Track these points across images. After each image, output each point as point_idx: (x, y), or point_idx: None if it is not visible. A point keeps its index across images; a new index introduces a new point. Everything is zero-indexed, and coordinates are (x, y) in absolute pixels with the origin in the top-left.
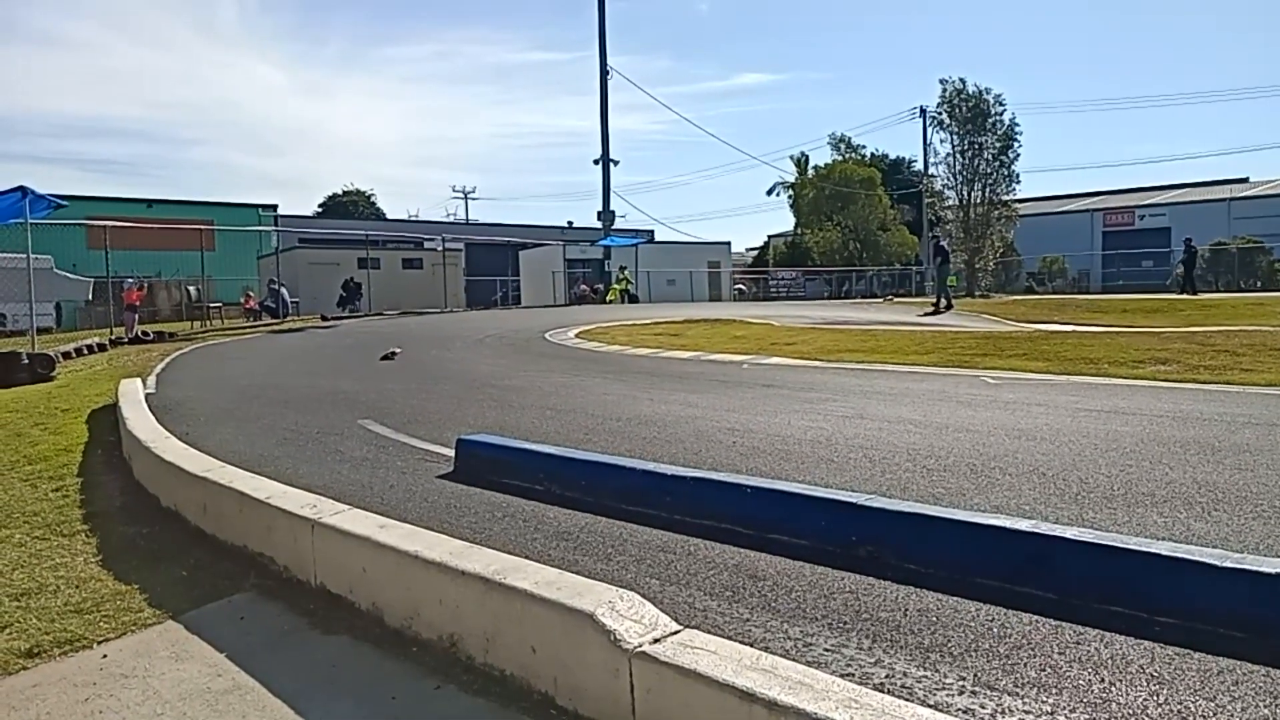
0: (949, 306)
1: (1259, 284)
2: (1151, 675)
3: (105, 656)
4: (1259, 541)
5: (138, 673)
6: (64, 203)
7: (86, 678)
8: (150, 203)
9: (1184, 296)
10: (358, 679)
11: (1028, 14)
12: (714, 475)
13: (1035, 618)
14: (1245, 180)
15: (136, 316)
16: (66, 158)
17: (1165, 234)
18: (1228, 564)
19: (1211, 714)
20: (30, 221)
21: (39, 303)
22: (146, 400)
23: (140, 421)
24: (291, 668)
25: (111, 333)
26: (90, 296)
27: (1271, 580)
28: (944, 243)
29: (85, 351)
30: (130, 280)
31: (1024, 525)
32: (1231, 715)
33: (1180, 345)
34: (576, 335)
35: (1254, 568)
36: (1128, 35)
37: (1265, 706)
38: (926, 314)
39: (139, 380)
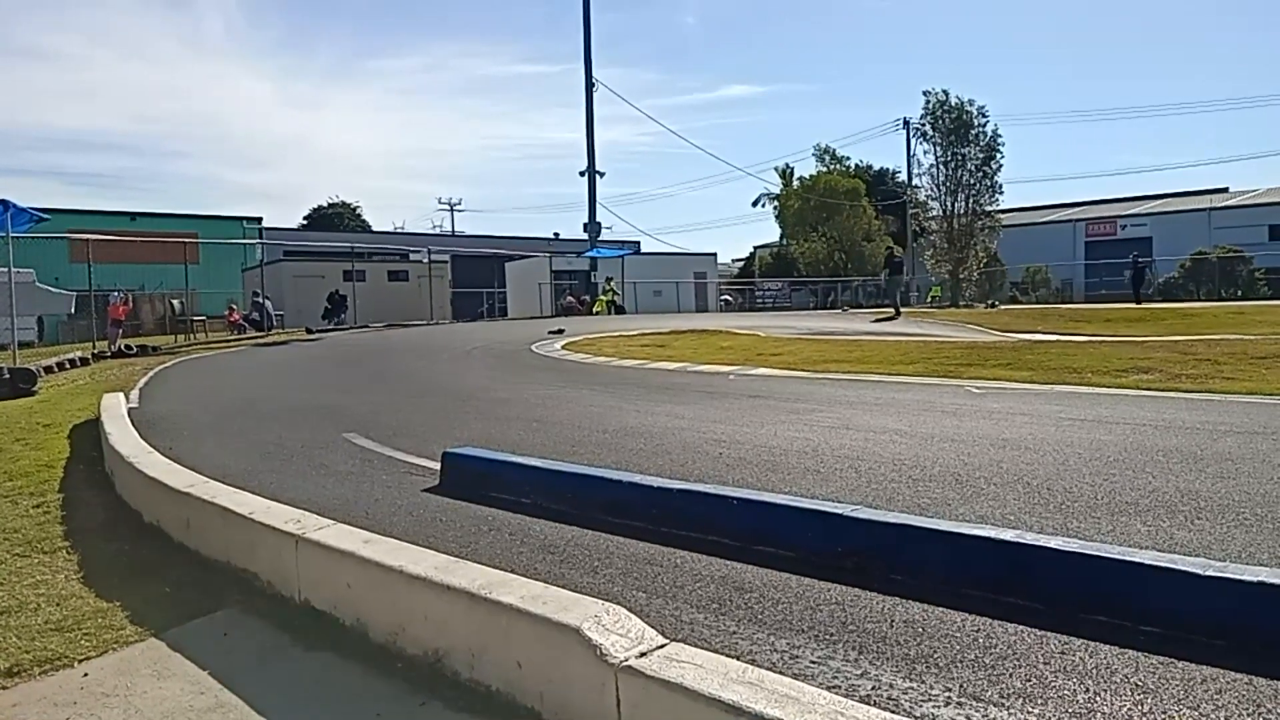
0: (896, 314)
1: (1239, 293)
2: (1136, 684)
3: (86, 675)
4: (1241, 549)
5: (119, 691)
6: (46, 216)
7: (67, 697)
8: (133, 216)
9: (1146, 306)
10: (342, 696)
11: (1010, 26)
12: (700, 487)
13: (1020, 627)
14: (1225, 190)
15: (120, 330)
16: (51, 171)
17: (1147, 244)
18: (1210, 572)
19: None
20: (11, 235)
21: (20, 317)
22: (129, 415)
23: (122, 436)
24: (275, 685)
25: (94, 347)
26: (73, 310)
27: (1254, 588)
28: (897, 257)
29: (68, 366)
30: (116, 295)
31: (1009, 535)
32: None
33: (1163, 354)
34: (563, 347)
35: (1236, 576)
36: (1109, 47)
37: (1248, 715)
38: (879, 319)
39: (121, 395)
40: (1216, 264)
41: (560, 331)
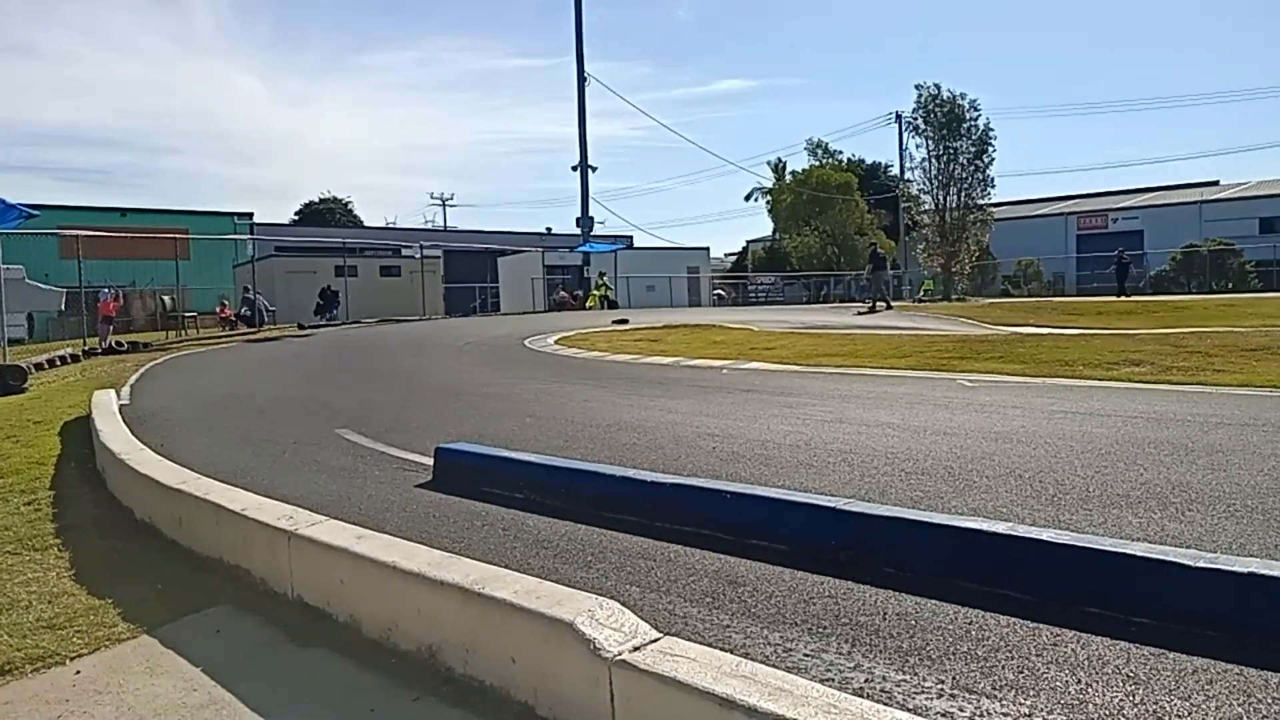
0: (888, 307)
1: (1230, 285)
2: (1127, 675)
3: (78, 673)
4: (1232, 541)
5: (111, 689)
6: (35, 212)
7: (59, 694)
8: (124, 211)
9: (1134, 299)
10: (335, 692)
11: (1003, 20)
12: (694, 481)
13: (1013, 620)
14: (1215, 183)
15: (111, 327)
16: (41, 167)
17: (1138, 237)
18: (1201, 564)
19: (1186, 713)
20: (1, 231)
21: (10, 314)
22: (120, 412)
23: (114, 433)
24: (268, 681)
25: (85, 343)
26: (63, 307)
27: (1244, 579)
28: (880, 251)
29: (58, 362)
30: (106, 291)
31: (1001, 528)
32: (1206, 714)
33: (1154, 347)
34: (556, 342)
35: (1227, 567)
36: (1100, 41)
37: (1239, 705)
38: (860, 313)
39: (113, 391)
40: (1207, 257)
41: (624, 321)
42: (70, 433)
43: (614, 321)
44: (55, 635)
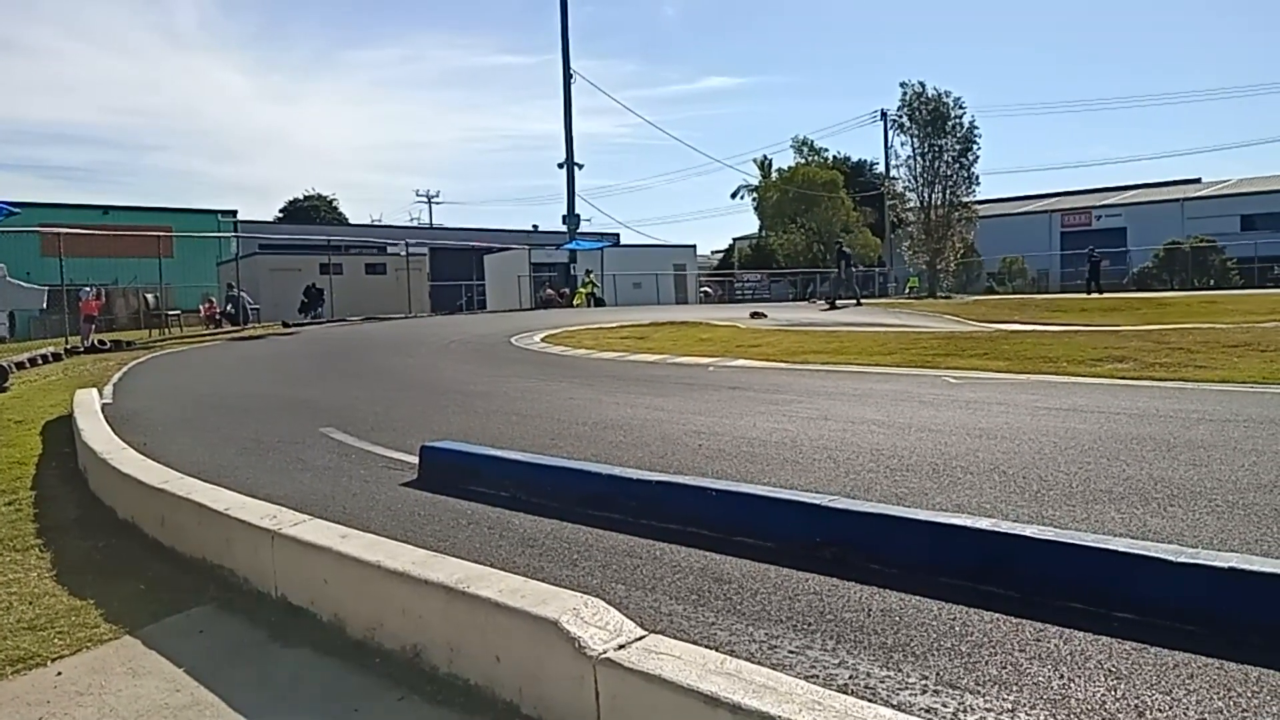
0: (858, 303)
1: (1212, 282)
2: (1109, 670)
3: (60, 674)
4: (1213, 536)
5: (93, 690)
6: (17, 209)
7: (40, 696)
8: (106, 209)
9: (1093, 296)
10: (319, 692)
11: (988, 19)
12: (679, 479)
13: (996, 615)
14: (1198, 181)
15: (93, 326)
16: (23, 164)
17: (1121, 234)
18: (1183, 559)
19: (1168, 707)
20: None
21: None
22: (103, 411)
23: (96, 432)
24: (252, 682)
25: (67, 342)
26: (45, 305)
27: (1225, 575)
28: (846, 248)
29: (40, 361)
30: (88, 290)
31: (985, 524)
32: (1187, 708)
33: (1137, 343)
34: (543, 339)
35: (1208, 562)
36: (1084, 40)
37: (1219, 699)
38: (824, 309)
39: (95, 390)
40: (1190, 254)
41: (762, 315)
42: (52, 432)
43: (751, 314)
44: (36, 636)
